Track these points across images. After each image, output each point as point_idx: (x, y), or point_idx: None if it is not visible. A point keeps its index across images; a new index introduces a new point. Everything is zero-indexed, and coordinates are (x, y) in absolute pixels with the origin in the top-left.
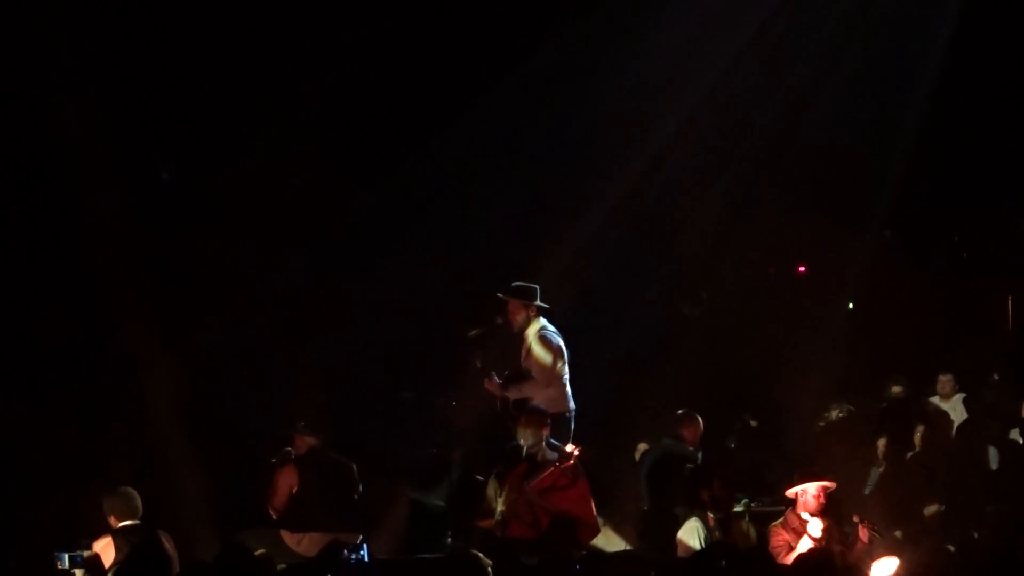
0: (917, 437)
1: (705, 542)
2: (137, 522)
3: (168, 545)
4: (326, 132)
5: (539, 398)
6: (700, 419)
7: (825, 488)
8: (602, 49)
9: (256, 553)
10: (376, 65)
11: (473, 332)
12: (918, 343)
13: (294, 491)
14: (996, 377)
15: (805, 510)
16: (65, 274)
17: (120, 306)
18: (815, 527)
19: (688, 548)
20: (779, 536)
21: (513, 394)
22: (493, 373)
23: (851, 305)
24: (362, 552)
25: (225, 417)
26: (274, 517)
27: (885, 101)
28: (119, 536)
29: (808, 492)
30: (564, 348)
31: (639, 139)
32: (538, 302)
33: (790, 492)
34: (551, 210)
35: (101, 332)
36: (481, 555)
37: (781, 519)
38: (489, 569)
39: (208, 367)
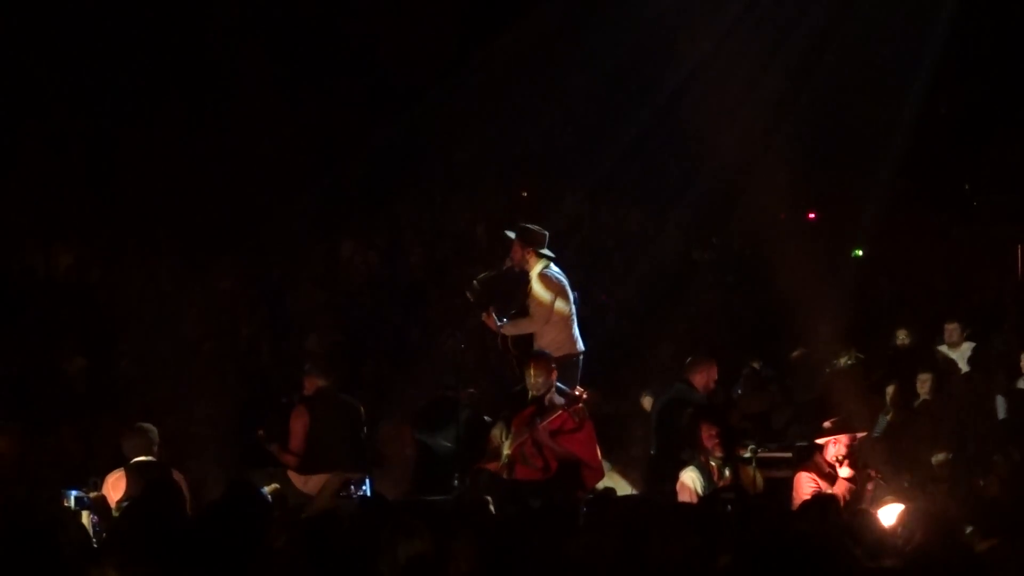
0: (925, 385)
1: (704, 490)
2: (151, 458)
3: (182, 484)
4: (343, 72)
5: (543, 341)
6: (714, 366)
7: (854, 438)
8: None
9: (269, 489)
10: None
11: (482, 275)
12: (928, 291)
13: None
14: (1006, 326)
15: (836, 457)
16: (77, 210)
17: (133, 244)
18: (845, 471)
19: (690, 492)
20: (812, 482)
21: (508, 330)
22: (492, 308)
23: (859, 252)
24: (364, 488)
25: (236, 356)
26: (291, 461)
27: (897, 49)
28: (132, 471)
29: (841, 442)
30: (568, 288)
31: (653, 85)
32: (543, 250)
33: (821, 440)
34: (563, 154)
35: (112, 270)
36: (487, 497)
37: (809, 464)
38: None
39: (219, 306)
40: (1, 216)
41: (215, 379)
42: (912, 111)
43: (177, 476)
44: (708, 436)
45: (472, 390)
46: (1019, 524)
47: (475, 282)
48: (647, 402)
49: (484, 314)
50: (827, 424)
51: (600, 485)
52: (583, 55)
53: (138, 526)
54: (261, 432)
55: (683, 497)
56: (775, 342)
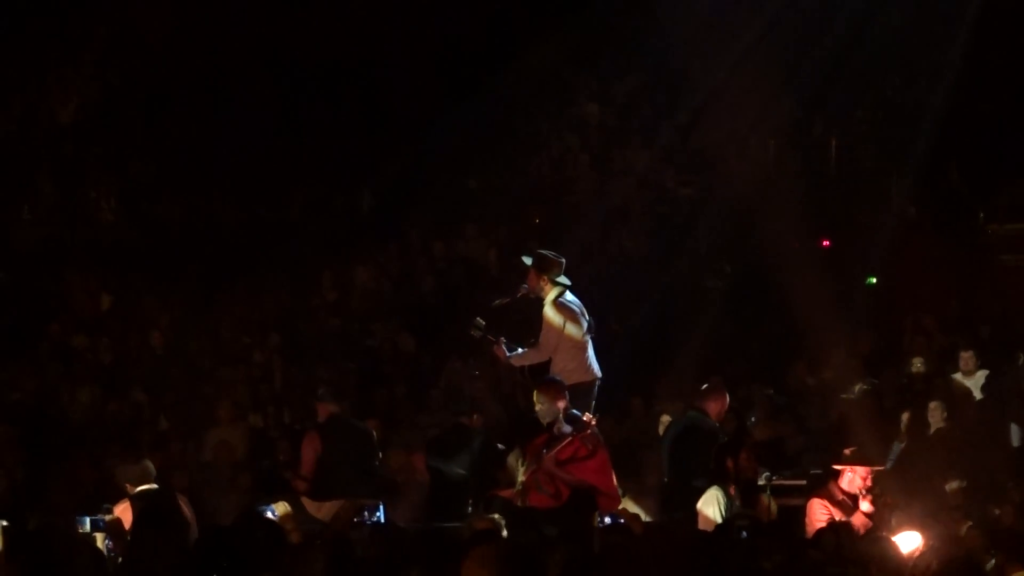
0: (936, 413)
1: (726, 512)
2: (153, 486)
3: (186, 509)
4: (356, 99)
5: (554, 368)
6: (727, 393)
7: (872, 472)
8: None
9: (280, 510)
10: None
11: (497, 301)
12: (942, 319)
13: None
14: (1020, 355)
15: (850, 488)
16: (91, 242)
17: (145, 276)
18: (866, 506)
19: (707, 518)
20: (824, 509)
21: (516, 361)
22: (502, 338)
23: (873, 280)
24: (378, 514)
25: (249, 383)
26: (302, 487)
27: (912, 77)
28: (136, 501)
29: (857, 473)
30: (581, 315)
31: (666, 112)
32: (558, 278)
33: (839, 467)
34: (579, 181)
35: (124, 298)
36: (500, 520)
37: (822, 491)
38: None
39: (232, 333)
40: (15, 245)
41: (228, 406)
42: (925, 139)
43: (182, 501)
44: (748, 460)
45: (485, 417)
46: None
47: (478, 319)
48: (666, 420)
49: (494, 345)
50: (847, 452)
51: None
52: (596, 83)
53: (141, 554)
54: (283, 457)
55: (706, 515)
56: (789, 370)
